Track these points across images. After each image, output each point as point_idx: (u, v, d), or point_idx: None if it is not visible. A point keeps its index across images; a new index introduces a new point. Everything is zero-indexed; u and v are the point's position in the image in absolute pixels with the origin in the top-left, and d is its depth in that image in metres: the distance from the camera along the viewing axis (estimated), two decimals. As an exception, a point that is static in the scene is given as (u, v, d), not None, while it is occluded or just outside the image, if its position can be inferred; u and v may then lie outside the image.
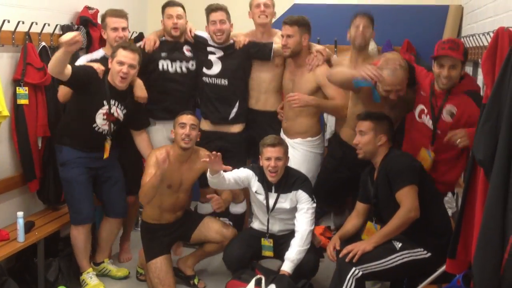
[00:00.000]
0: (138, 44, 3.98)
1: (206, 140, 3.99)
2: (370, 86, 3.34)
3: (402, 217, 3.01)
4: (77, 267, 3.79)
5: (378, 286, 3.61)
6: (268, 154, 3.45)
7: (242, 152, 4.13)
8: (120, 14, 3.86)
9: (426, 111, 3.23)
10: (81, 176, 3.62)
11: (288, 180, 3.52)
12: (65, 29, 4.06)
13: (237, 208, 4.06)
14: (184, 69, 4.02)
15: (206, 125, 4.10)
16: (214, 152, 3.34)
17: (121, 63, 3.49)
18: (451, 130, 3.07)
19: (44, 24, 3.85)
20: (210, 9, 3.94)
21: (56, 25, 4.02)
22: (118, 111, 3.63)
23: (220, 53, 4.00)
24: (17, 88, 3.61)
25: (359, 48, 3.70)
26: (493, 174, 2.15)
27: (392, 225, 3.05)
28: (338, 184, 3.81)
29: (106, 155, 3.67)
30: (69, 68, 3.32)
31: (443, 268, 2.76)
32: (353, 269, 2.96)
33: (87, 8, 4.33)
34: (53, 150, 3.76)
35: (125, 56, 3.50)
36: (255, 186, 3.59)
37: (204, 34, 4.06)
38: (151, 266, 3.63)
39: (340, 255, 3.08)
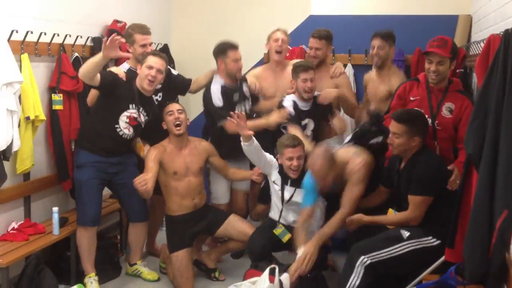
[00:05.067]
0: None
1: None
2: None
3: (402, 219, 3.25)
4: (108, 258, 4.07)
5: None
6: (290, 154, 3.63)
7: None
8: (147, 31, 4.04)
9: (423, 112, 3.42)
10: (93, 180, 3.73)
11: (305, 176, 3.68)
12: (96, 41, 4.38)
13: None
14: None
15: None
16: (237, 112, 3.68)
17: (150, 67, 3.70)
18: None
19: (77, 37, 4.17)
20: (307, 67, 3.96)
21: (88, 37, 4.34)
22: (141, 116, 3.81)
23: None
24: (52, 94, 3.93)
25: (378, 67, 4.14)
26: (481, 166, 2.37)
27: (390, 218, 3.33)
28: None
29: (142, 153, 3.94)
30: (99, 74, 3.52)
31: (443, 257, 2.95)
32: (362, 257, 3.14)
33: (116, 21, 4.65)
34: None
35: (154, 61, 3.72)
36: (275, 176, 3.81)
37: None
38: (173, 259, 3.86)
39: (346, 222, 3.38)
